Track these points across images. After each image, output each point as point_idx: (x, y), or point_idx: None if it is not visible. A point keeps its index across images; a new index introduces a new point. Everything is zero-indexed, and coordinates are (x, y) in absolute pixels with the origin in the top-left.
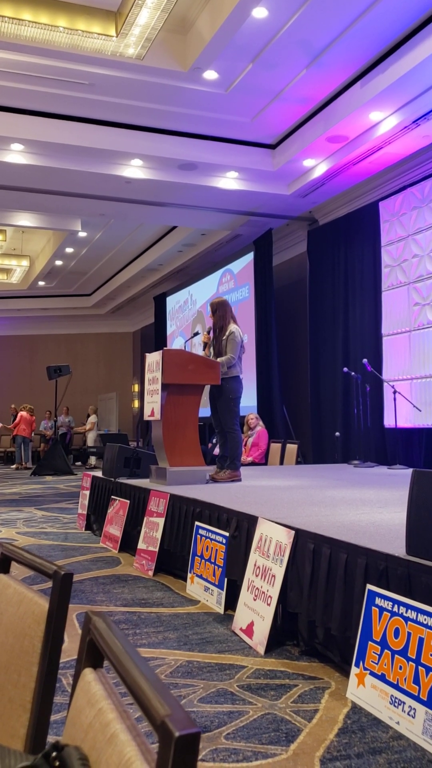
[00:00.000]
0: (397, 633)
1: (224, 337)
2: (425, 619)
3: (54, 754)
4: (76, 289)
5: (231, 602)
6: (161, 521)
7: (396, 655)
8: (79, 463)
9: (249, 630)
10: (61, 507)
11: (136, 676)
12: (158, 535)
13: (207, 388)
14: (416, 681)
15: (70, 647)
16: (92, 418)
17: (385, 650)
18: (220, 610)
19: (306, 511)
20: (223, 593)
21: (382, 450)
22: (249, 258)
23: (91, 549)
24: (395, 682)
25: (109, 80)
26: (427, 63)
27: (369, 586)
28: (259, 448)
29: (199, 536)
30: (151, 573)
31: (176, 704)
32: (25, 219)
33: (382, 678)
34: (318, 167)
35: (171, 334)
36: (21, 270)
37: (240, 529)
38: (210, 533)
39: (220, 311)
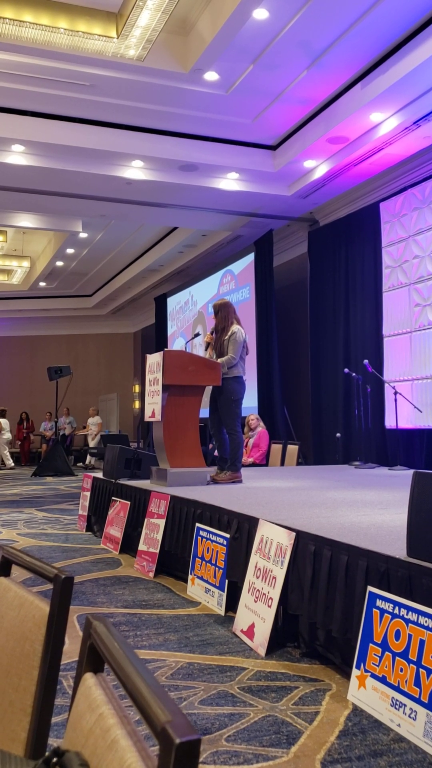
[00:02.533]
0: (398, 635)
1: (226, 338)
2: (426, 621)
3: (54, 759)
4: (76, 290)
5: (232, 604)
6: (162, 522)
7: (397, 657)
8: (80, 464)
9: (250, 632)
10: (61, 508)
11: (137, 682)
12: (159, 536)
13: (209, 389)
14: (417, 683)
15: (71, 648)
16: (97, 419)
17: (386, 652)
18: (221, 611)
19: (307, 512)
20: (224, 595)
21: (383, 451)
22: (250, 259)
23: (92, 550)
24: (396, 685)
25: (109, 81)
26: (427, 64)
27: (370, 588)
28: (259, 449)
29: (199, 538)
30: (151, 574)
31: (177, 710)
32: (26, 220)
33: (383, 680)
34: (319, 168)
35: (172, 335)
36: (22, 271)
37: (241, 530)
38: (211, 535)
39: (223, 312)
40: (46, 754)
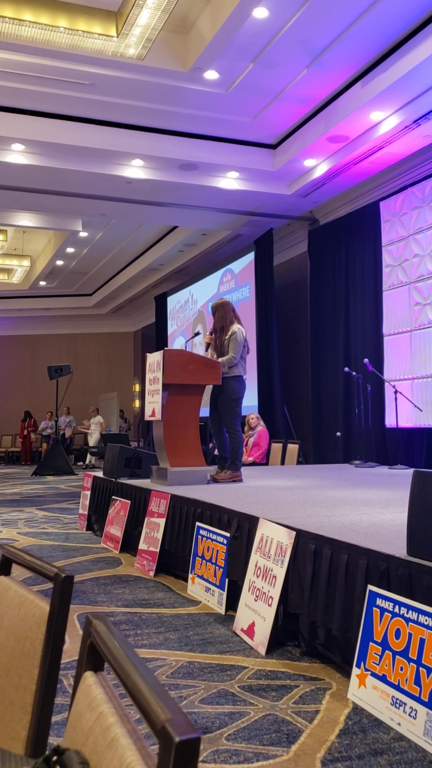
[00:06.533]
0: (398, 634)
1: (226, 337)
2: (426, 620)
3: (55, 758)
4: (77, 289)
5: (232, 603)
6: (162, 522)
7: (397, 656)
8: (80, 463)
9: (250, 631)
10: (62, 507)
11: (137, 680)
12: (159, 535)
13: (209, 389)
14: (417, 682)
15: (71, 647)
16: (99, 419)
17: (386, 651)
18: (221, 610)
19: (307, 511)
20: (224, 594)
21: (383, 450)
22: (250, 258)
23: (92, 549)
24: (396, 683)
25: (109, 80)
26: (427, 63)
27: (370, 587)
28: (260, 448)
29: (200, 537)
30: (152, 573)
31: (176, 708)
32: (26, 219)
33: (383, 679)
34: (319, 167)
35: (172, 334)
36: (22, 270)
37: (241, 529)
38: (211, 534)
39: (220, 312)
40: (46, 752)
